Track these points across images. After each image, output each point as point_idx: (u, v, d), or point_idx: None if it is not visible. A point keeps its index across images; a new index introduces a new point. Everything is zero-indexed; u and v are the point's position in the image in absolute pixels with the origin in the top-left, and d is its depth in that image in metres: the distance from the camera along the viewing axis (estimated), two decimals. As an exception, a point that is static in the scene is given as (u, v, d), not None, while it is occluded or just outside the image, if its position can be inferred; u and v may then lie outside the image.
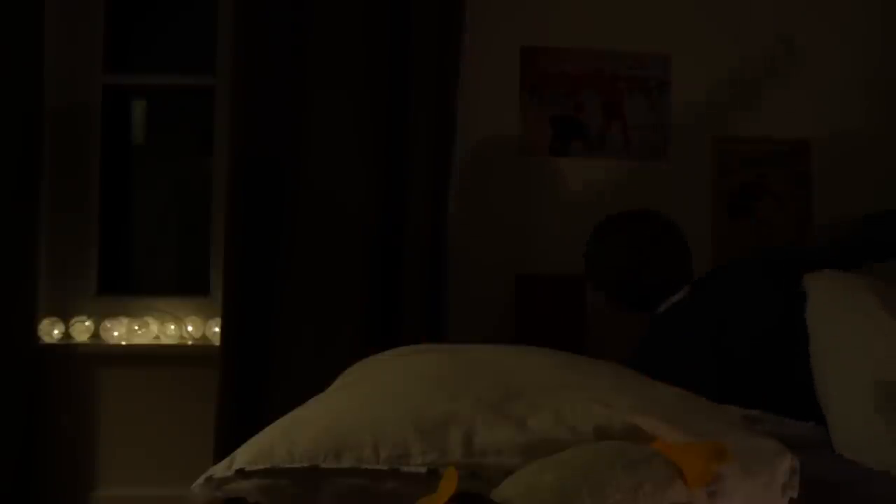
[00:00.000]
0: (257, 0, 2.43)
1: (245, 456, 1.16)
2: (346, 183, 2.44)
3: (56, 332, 2.55)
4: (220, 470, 1.16)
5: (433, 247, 2.43)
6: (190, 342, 2.59)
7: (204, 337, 2.60)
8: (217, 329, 2.49)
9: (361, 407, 1.25)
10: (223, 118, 2.56)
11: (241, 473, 1.15)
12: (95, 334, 2.58)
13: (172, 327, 2.61)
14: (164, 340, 2.60)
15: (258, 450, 1.16)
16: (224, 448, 2.27)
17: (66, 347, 2.55)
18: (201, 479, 1.17)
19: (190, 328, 2.60)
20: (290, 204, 2.45)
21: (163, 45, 2.85)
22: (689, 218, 2.62)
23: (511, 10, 2.61)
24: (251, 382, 2.40)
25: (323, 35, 2.45)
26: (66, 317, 2.58)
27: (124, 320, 2.58)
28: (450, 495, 0.95)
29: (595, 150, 2.64)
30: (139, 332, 2.57)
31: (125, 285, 2.79)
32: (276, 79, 2.44)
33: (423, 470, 1.10)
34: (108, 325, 2.56)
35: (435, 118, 2.43)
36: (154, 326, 2.60)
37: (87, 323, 2.57)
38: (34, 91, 2.45)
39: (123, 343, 2.56)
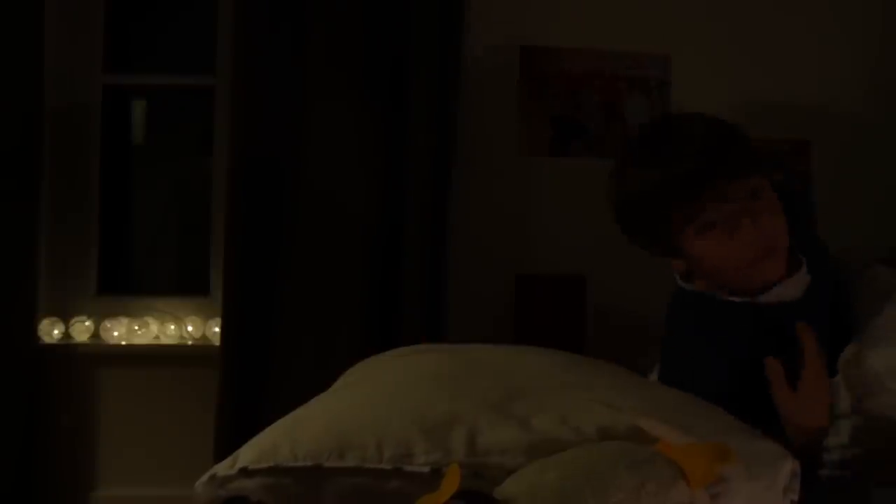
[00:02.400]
0: (257, 0, 2.43)
1: (248, 455, 1.16)
2: (346, 183, 2.44)
3: (56, 332, 2.55)
4: (223, 468, 1.16)
5: (433, 247, 2.43)
6: (190, 342, 2.59)
7: (204, 337, 2.60)
8: (217, 329, 2.49)
9: (364, 407, 1.25)
10: (223, 118, 2.56)
11: (245, 472, 1.15)
12: (95, 334, 2.58)
13: (172, 327, 2.61)
14: (164, 340, 2.60)
15: (261, 449, 1.17)
16: (224, 448, 2.27)
17: (66, 347, 2.55)
18: (204, 478, 1.17)
19: (190, 328, 2.60)
20: (290, 204, 2.45)
21: (163, 45, 2.85)
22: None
23: (511, 10, 2.61)
24: (251, 382, 2.40)
25: (323, 34, 2.45)
26: (66, 317, 2.58)
27: (124, 320, 2.58)
28: (452, 493, 0.96)
29: (595, 150, 2.63)
30: (139, 332, 2.57)
31: (125, 285, 2.79)
32: (276, 79, 2.44)
33: (426, 469, 1.10)
34: (108, 325, 2.56)
35: (435, 118, 2.44)
36: (154, 326, 2.60)
37: (87, 323, 2.57)
38: (34, 91, 2.45)
39: (123, 343, 2.56)
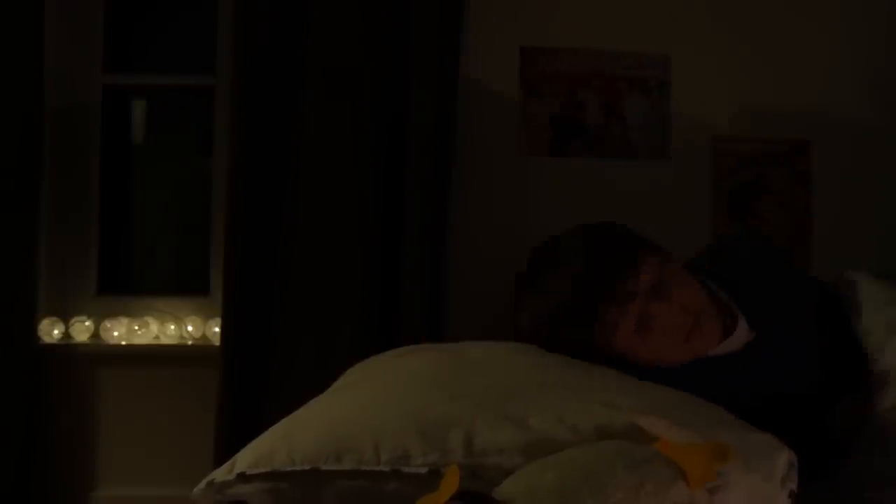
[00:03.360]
0: (257, 0, 2.43)
1: (245, 460, 1.16)
2: (345, 182, 2.44)
3: (56, 332, 2.55)
4: (220, 474, 1.16)
5: (433, 247, 2.43)
6: (190, 342, 2.59)
7: (204, 337, 2.60)
8: (217, 329, 2.49)
9: (362, 409, 1.25)
10: (223, 118, 2.56)
11: (242, 477, 1.15)
12: (95, 334, 2.58)
13: (172, 327, 2.60)
14: (164, 340, 2.60)
15: (258, 453, 1.16)
16: (224, 448, 2.28)
17: (66, 347, 2.54)
18: (202, 484, 1.17)
19: (190, 328, 2.59)
20: (290, 204, 2.45)
21: (163, 45, 2.85)
22: (689, 218, 2.63)
23: (511, 10, 2.61)
24: (251, 382, 2.40)
25: (322, 34, 2.45)
26: (66, 317, 2.58)
27: (124, 320, 2.57)
28: (451, 493, 0.96)
29: (595, 150, 2.63)
30: (139, 332, 2.57)
31: (125, 285, 2.79)
32: (276, 79, 2.44)
33: (424, 471, 1.11)
34: (108, 325, 2.56)
35: (435, 118, 2.43)
36: (154, 326, 2.60)
37: (87, 323, 2.57)
38: (34, 91, 2.44)
39: (123, 343, 2.56)
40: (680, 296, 1.45)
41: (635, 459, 0.98)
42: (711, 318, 1.48)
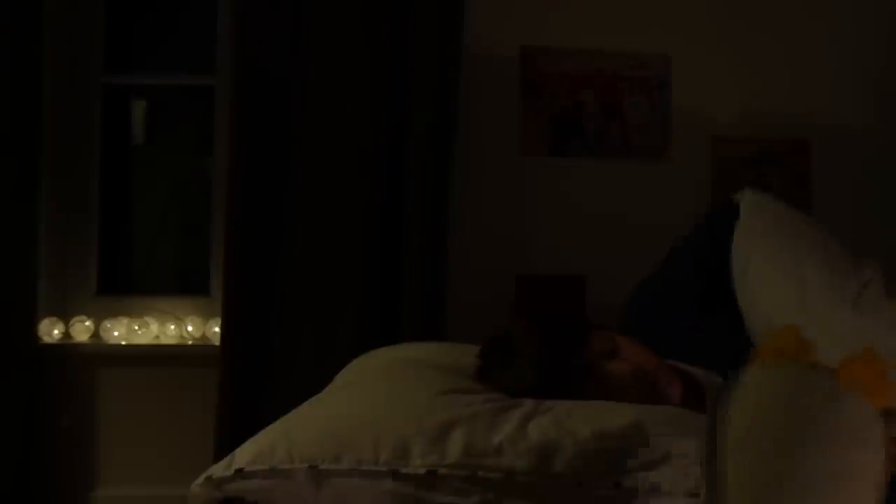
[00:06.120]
0: (257, 0, 2.43)
1: (244, 456, 1.17)
2: (345, 182, 2.44)
3: (56, 332, 2.55)
4: (219, 469, 1.17)
5: (433, 247, 2.43)
6: (190, 342, 2.59)
7: (204, 337, 2.60)
8: (217, 329, 2.49)
9: (361, 408, 1.26)
10: (223, 118, 2.56)
11: (241, 473, 1.15)
12: (95, 334, 2.58)
13: (172, 327, 2.61)
14: (164, 340, 2.60)
15: (258, 450, 1.17)
16: (224, 448, 2.27)
17: (66, 347, 2.55)
18: (200, 479, 1.17)
19: (190, 328, 2.60)
20: (291, 204, 2.45)
21: (163, 45, 2.85)
22: (689, 218, 2.63)
23: (511, 10, 2.61)
24: (251, 382, 2.40)
25: (323, 35, 2.45)
26: (66, 317, 2.58)
27: (124, 320, 2.58)
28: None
29: (595, 150, 2.63)
30: (139, 332, 2.57)
31: (125, 285, 2.79)
32: (276, 79, 2.44)
33: (422, 472, 1.11)
34: (108, 325, 2.56)
35: (435, 118, 2.43)
36: (154, 326, 2.60)
37: (87, 323, 2.57)
38: (34, 91, 2.45)
39: (123, 343, 2.56)
40: (632, 355, 1.45)
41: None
42: (668, 372, 1.46)
